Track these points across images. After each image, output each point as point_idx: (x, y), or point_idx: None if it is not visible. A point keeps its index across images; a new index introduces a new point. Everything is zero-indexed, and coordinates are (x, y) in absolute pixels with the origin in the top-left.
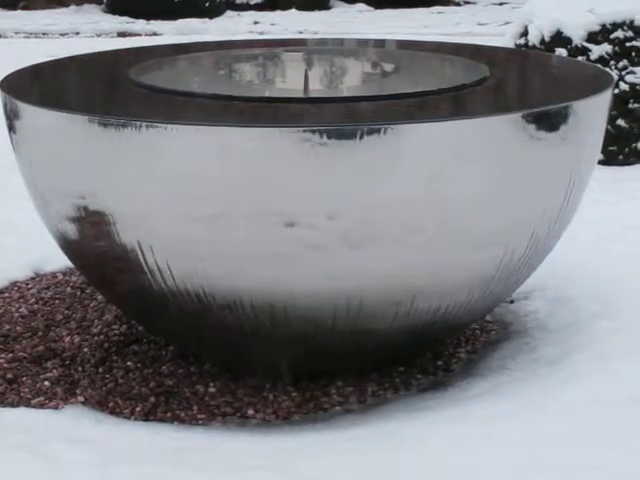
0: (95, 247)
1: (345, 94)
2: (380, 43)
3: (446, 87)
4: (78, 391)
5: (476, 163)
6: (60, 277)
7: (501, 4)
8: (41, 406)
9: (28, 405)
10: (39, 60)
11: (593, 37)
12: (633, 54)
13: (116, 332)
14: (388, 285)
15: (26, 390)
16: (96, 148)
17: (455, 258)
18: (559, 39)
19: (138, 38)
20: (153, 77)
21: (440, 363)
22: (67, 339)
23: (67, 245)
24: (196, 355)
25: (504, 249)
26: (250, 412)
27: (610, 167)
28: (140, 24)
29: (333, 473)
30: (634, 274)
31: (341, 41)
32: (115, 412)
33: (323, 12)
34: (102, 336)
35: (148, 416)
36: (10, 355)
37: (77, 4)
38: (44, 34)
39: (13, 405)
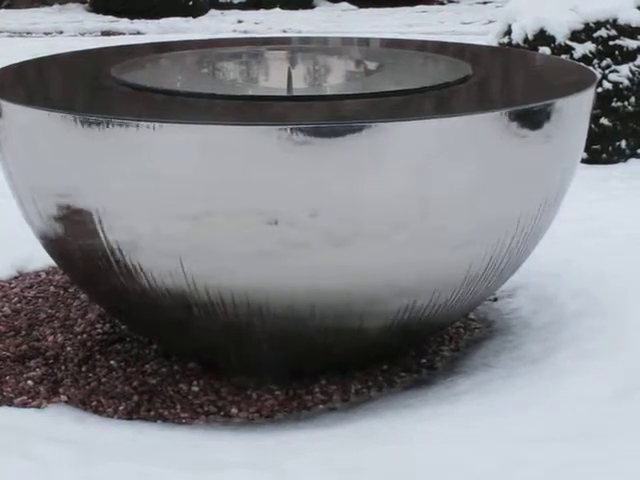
0: (78, 246)
1: (329, 92)
2: (364, 42)
3: (429, 85)
4: (61, 390)
5: (459, 161)
6: (43, 276)
7: (485, 3)
8: (24, 405)
9: (11, 404)
10: (22, 59)
11: (576, 36)
12: (616, 53)
13: (99, 331)
14: (371, 283)
15: (9, 389)
16: (79, 146)
17: (438, 256)
18: (543, 38)
19: (122, 37)
20: (136, 75)
21: (424, 361)
22: (50, 338)
23: (50, 244)
24: (179, 354)
25: (488, 247)
26: (233, 411)
27: (594, 165)
28: (124, 23)
29: (316, 471)
30: (617, 272)
31: (325, 40)
32: (98, 411)
33: (307, 11)
34: (85, 335)
35: (131, 415)
36: None
37: (61, 3)
38: (28, 33)
39: None
